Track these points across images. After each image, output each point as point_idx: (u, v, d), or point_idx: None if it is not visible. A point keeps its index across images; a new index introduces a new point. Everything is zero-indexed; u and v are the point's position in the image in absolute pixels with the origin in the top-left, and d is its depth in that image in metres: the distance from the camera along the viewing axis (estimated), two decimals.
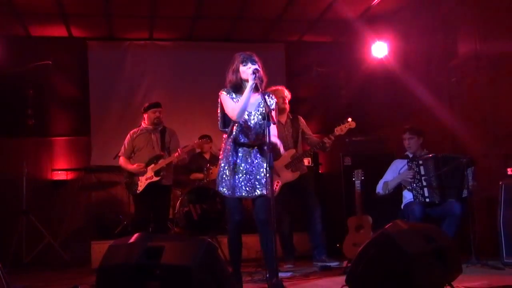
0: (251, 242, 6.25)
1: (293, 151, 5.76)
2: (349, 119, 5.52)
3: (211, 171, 7.08)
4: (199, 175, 7.33)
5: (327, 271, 5.19)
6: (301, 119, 6.01)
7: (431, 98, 6.72)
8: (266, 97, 4.07)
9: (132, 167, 6.07)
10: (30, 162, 7.25)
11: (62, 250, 6.85)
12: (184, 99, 8.34)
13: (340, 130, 5.52)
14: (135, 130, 6.29)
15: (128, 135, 6.26)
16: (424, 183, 5.39)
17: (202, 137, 7.72)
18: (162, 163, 6.02)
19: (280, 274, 4.05)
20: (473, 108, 6.24)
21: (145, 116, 6.29)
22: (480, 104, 6.14)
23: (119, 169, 7.75)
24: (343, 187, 6.78)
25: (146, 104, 6.36)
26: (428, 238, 3.26)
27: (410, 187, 5.49)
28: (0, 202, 7.11)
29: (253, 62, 4.07)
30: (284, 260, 5.76)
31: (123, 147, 6.26)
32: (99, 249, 6.25)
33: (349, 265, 4.76)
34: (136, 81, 8.33)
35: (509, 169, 5.17)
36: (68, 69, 8.16)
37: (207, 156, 7.65)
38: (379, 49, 7.51)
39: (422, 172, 5.42)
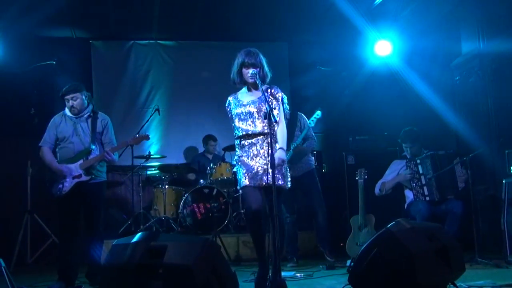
0: None
1: None
2: None
3: (214, 171, 7.08)
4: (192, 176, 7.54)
5: (330, 270, 5.19)
6: (303, 117, 6.07)
7: (434, 96, 6.71)
8: (270, 91, 4.15)
9: (56, 166, 4.90)
10: (34, 162, 7.25)
11: None
12: (188, 99, 8.34)
13: None
14: (59, 114, 5.04)
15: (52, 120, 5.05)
16: (423, 182, 5.42)
17: (206, 137, 7.77)
18: (92, 160, 4.86)
19: (283, 273, 4.04)
20: (477, 107, 6.23)
21: None
22: (483, 103, 6.13)
23: (123, 168, 7.82)
24: (346, 186, 6.78)
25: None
26: (431, 237, 3.26)
27: (410, 186, 5.52)
28: (5, 202, 7.11)
29: (255, 66, 4.10)
30: (287, 259, 5.77)
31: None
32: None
33: (352, 264, 4.76)
34: (139, 81, 8.33)
35: None
36: (72, 69, 8.14)
37: (209, 156, 7.68)
38: (383, 48, 7.49)
39: (421, 171, 5.45)
